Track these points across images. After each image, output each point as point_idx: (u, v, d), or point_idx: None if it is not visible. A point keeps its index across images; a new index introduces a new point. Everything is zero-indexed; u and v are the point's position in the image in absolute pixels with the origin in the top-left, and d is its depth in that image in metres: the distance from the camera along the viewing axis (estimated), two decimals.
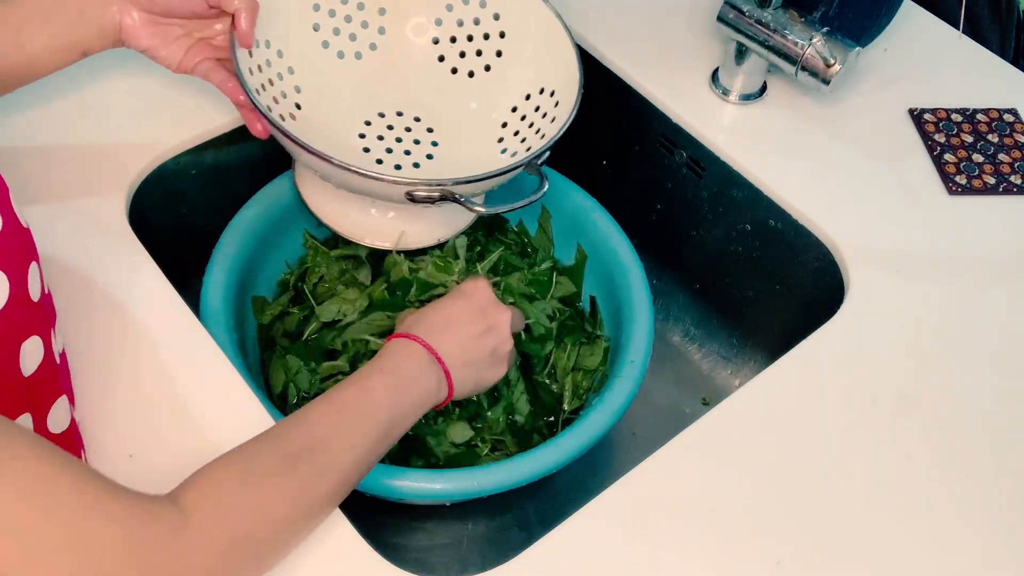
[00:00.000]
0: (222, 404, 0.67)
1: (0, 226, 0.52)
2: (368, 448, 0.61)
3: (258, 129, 0.77)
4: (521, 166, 0.74)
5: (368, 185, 0.71)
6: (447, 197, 0.71)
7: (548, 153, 0.76)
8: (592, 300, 0.91)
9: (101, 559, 0.46)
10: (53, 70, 0.71)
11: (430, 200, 0.71)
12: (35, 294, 0.56)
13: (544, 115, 0.81)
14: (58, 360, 0.60)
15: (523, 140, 0.82)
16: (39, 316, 0.56)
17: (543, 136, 0.79)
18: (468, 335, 0.71)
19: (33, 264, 0.56)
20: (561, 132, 0.76)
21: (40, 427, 0.57)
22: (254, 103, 0.71)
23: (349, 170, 0.69)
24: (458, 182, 0.71)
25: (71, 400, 0.62)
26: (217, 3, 0.72)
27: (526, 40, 0.84)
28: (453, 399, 0.70)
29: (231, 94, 0.76)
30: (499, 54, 0.86)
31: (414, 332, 0.69)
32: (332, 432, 0.60)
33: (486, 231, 0.92)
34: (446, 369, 0.69)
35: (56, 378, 0.59)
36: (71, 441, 0.61)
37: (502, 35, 0.85)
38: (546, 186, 0.74)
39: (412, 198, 0.71)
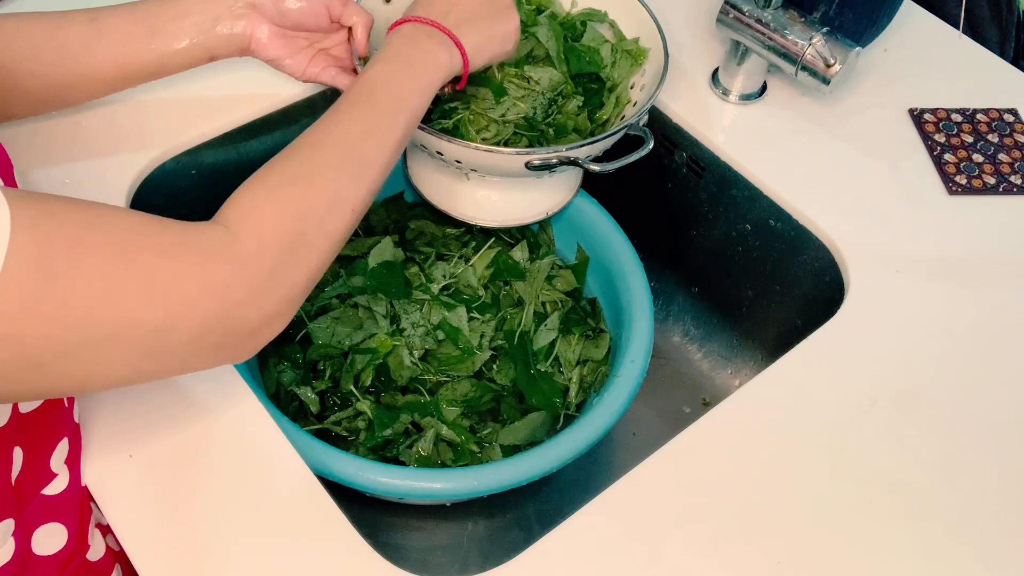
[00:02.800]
0: (222, 404, 0.67)
1: None
2: (384, 119, 0.65)
3: None
4: (626, 128, 0.78)
5: (491, 160, 0.76)
6: (564, 161, 0.76)
7: (647, 115, 0.80)
8: (593, 301, 0.91)
9: (163, 293, 0.51)
10: (181, 70, 0.77)
11: (547, 167, 0.76)
12: None
13: (632, 85, 0.85)
14: None
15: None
16: None
17: (634, 103, 0.84)
18: (471, 9, 0.73)
19: None
20: (657, 93, 0.80)
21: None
22: None
23: (473, 148, 0.75)
24: (572, 147, 0.75)
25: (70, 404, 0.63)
26: (338, 18, 0.79)
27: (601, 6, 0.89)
28: (472, 64, 0.72)
29: None
30: None
31: (403, 16, 0.72)
32: (344, 126, 0.63)
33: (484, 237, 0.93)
34: (446, 31, 0.70)
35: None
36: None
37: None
38: (651, 142, 0.77)
39: (530, 167, 0.76)
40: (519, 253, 0.91)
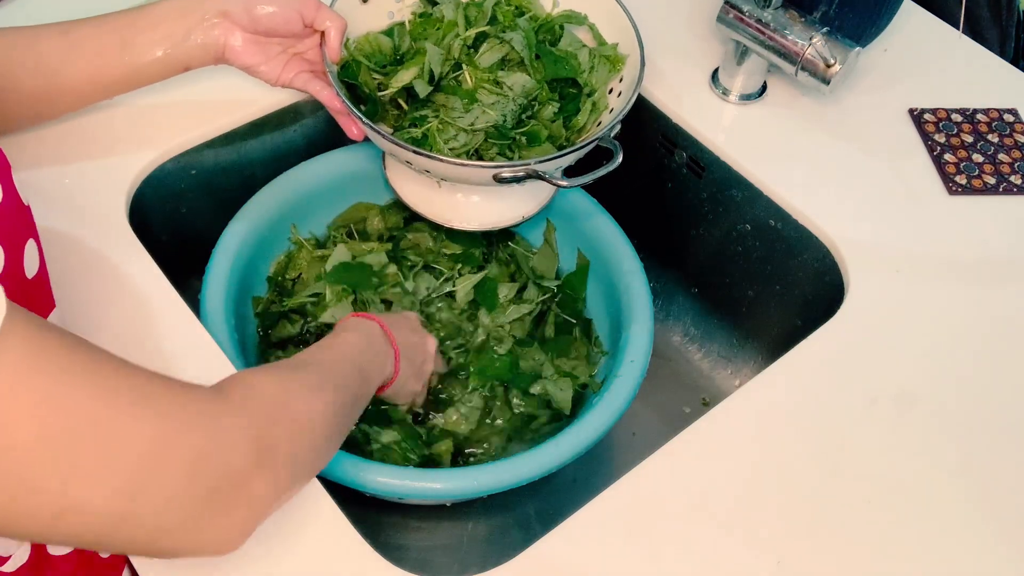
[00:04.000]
0: None
1: (0, 199, 0.52)
2: (352, 396, 0.63)
3: (354, 132, 0.83)
4: (596, 140, 0.78)
5: (458, 172, 0.76)
6: (531, 175, 0.75)
7: (619, 127, 0.79)
8: (588, 323, 0.91)
9: (141, 451, 0.46)
10: (156, 81, 0.76)
11: (516, 179, 0.75)
12: (31, 271, 0.56)
13: (611, 91, 0.85)
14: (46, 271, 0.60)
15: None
16: (33, 295, 0.57)
17: (611, 110, 0.83)
18: (409, 337, 0.76)
19: (31, 241, 0.56)
20: (629, 105, 0.79)
21: None
22: (349, 108, 0.77)
23: (440, 160, 0.75)
24: (540, 160, 0.75)
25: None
26: (311, 23, 0.79)
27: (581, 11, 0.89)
28: (386, 394, 0.73)
29: (328, 101, 0.82)
30: None
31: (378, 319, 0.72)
32: (328, 374, 0.62)
33: (487, 245, 0.93)
34: (396, 350, 0.72)
35: (48, 288, 0.60)
36: None
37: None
38: (620, 156, 0.77)
39: (499, 179, 0.75)
40: (504, 289, 0.90)
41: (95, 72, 0.73)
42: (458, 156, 0.79)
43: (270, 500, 0.53)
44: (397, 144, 0.75)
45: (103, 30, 0.73)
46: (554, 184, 0.76)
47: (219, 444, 0.49)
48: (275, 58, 0.80)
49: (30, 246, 0.56)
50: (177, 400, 0.48)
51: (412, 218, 0.94)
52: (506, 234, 0.94)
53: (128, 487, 0.45)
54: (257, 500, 0.51)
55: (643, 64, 0.81)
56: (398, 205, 0.95)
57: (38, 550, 0.60)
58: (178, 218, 0.89)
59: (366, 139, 0.84)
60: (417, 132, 0.80)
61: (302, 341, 0.86)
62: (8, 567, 0.58)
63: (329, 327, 0.82)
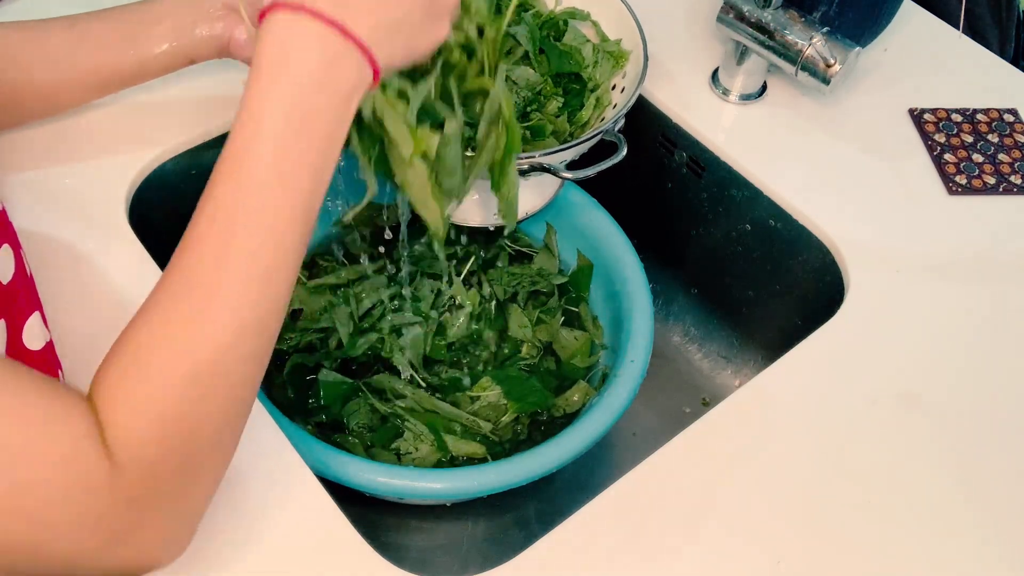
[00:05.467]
0: None
1: None
2: (281, 262, 0.49)
3: None
4: (601, 133, 0.77)
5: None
6: (536, 168, 0.75)
7: (623, 121, 0.79)
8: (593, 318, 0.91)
9: (36, 521, 0.43)
10: (161, 74, 0.76)
11: (520, 172, 0.75)
12: (5, 277, 0.56)
13: (613, 86, 0.84)
14: (29, 274, 0.60)
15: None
16: (9, 301, 0.56)
17: (614, 105, 0.83)
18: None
19: (5, 246, 0.57)
20: (633, 99, 0.78)
21: (15, 339, 0.57)
22: None
23: None
24: (545, 153, 0.75)
25: (44, 319, 0.62)
26: None
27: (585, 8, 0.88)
28: (383, 78, 0.52)
29: None
30: None
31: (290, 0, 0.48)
32: (224, 274, 0.48)
33: (485, 243, 0.93)
34: (358, 41, 0.49)
35: (31, 292, 0.60)
36: (47, 359, 0.61)
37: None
38: (624, 149, 0.77)
39: None
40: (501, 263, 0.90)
41: (102, 65, 0.73)
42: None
43: (196, 511, 0.50)
44: None
45: (110, 23, 0.73)
46: (559, 176, 0.76)
47: (105, 499, 0.45)
48: None
49: (4, 251, 0.56)
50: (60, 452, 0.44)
51: (412, 218, 0.94)
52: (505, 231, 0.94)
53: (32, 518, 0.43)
54: (180, 514, 0.49)
55: (646, 59, 0.82)
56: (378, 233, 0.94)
57: None
58: (178, 218, 0.88)
59: None
60: None
61: (317, 370, 0.84)
62: None
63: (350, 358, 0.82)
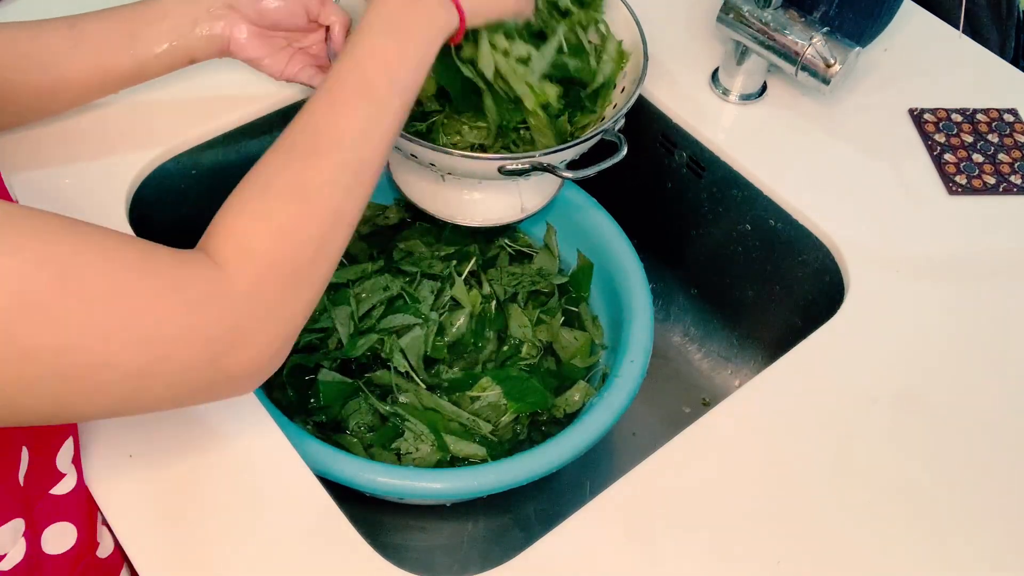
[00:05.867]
0: (222, 404, 0.67)
1: None
2: (381, 110, 0.61)
3: None
4: (601, 133, 0.78)
5: (464, 164, 0.76)
6: (536, 167, 0.75)
7: (623, 121, 0.79)
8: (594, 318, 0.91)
9: (145, 338, 0.49)
10: (162, 74, 0.76)
11: (521, 172, 0.75)
12: None
13: (614, 86, 0.84)
14: None
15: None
16: None
17: (615, 105, 0.83)
18: None
19: None
20: (633, 99, 0.79)
21: None
22: None
23: (446, 152, 0.75)
24: (545, 153, 0.75)
25: None
26: (316, 17, 0.79)
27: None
28: (470, 23, 0.67)
29: None
30: None
31: None
32: (341, 126, 0.59)
33: (485, 242, 0.93)
34: None
35: None
36: None
37: None
38: (625, 149, 0.77)
39: (504, 172, 0.75)
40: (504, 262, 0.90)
41: (102, 65, 0.73)
42: (463, 150, 0.79)
43: (298, 319, 0.56)
44: (403, 137, 0.75)
45: (110, 23, 0.73)
46: (559, 176, 0.76)
47: (230, 321, 0.52)
48: (280, 52, 0.80)
49: None
50: (180, 276, 0.51)
51: (413, 218, 0.94)
52: (506, 231, 0.94)
53: (150, 344, 0.49)
54: (283, 323, 0.55)
55: (646, 59, 0.82)
56: (399, 204, 0.95)
57: (33, 548, 0.60)
58: (178, 218, 0.89)
59: None
60: (422, 126, 0.80)
61: (317, 370, 0.84)
62: (4, 565, 0.58)
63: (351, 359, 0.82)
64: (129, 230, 0.76)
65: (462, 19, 0.67)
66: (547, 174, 0.76)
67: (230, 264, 0.53)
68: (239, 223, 0.55)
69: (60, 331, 0.46)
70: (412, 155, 0.78)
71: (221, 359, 0.52)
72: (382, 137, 0.61)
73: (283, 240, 0.55)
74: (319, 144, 0.58)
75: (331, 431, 0.81)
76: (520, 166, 0.75)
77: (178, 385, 0.52)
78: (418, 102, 0.79)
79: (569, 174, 0.76)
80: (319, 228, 0.56)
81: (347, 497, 0.67)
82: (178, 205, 0.88)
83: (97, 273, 0.48)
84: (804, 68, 0.85)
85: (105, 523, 0.66)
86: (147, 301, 0.49)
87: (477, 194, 0.85)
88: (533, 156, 0.75)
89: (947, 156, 0.88)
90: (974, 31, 1.23)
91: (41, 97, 0.73)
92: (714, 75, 0.94)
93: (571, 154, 0.78)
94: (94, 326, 0.47)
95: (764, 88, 0.93)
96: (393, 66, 0.62)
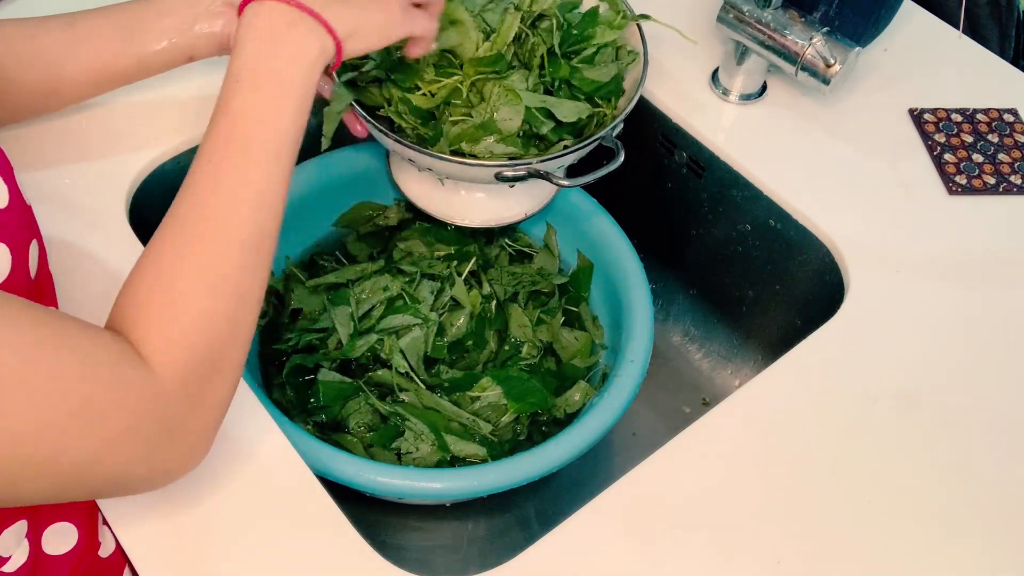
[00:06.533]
0: None
1: (7, 201, 0.53)
2: (270, 172, 0.57)
3: (358, 130, 0.81)
4: (597, 140, 0.78)
5: (460, 170, 0.77)
6: (533, 174, 0.76)
7: (621, 126, 0.79)
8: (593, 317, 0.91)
9: (91, 430, 0.49)
10: (160, 71, 0.76)
11: (517, 178, 0.76)
12: (33, 271, 0.56)
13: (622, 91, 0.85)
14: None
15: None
16: (36, 295, 0.57)
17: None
18: None
19: (34, 242, 0.57)
20: (631, 106, 0.79)
21: None
22: (353, 106, 0.77)
23: (442, 159, 0.75)
24: (542, 160, 0.75)
25: None
26: None
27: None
28: (345, 49, 0.62)
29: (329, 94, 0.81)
30: None
31: None
32: (232, 199, 0.56)
33: (486, 242, 0.93)
34: (313, 12, 0.59)
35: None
36: None
37: None
38: (622, 155, 0.77)
39: (501, 178, 0.76)
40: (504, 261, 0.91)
41: (100, 63, 0.73)
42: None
43: (224, 404, 0.57)
44: (400, 143, 0.75)
45: (109, 21, 0.73)
46: (556, 183, 0.76)
47: (164, 418, 0.52)
48: None
49: (33, 247, 0.56)
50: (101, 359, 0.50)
51: (414, 218, 0.94)
52: (507, 230, 0.94)
53: (90, 442, 0.49)
54: (211, 410, 0.56)
55: (646, 63, 0.82)
56: (399, 204, 0.95)
57: (37, 550, 0.60)
58: None
59: (369, 137, 0.84)
60: (424, 130, 0.80)
61: (317, 370, 0.84)
62: (8, 567, 0.58)
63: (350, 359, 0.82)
64: (129, 230, 0.76)
65: (338, 45, 0.61)
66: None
67: (154, 359, 0.52)
68: (153, 315, 0.54)
69: (7, 419, 0.46)
70: (410, 160, 0.78)
71: (156, 454, 0.53)
72: (276, 198, 0.58)
73: (199, 332, 0.54)
74: (215, 224, 0.56)
75: (331, 431, 0.81)
76: (516, 173, 0.75)
77: (114, 481, 0.53)
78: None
79: (566, 182, 0.76)
80: (230, 313, 0.56)
81: (347, 497, 0.67)
82: None
83: (42, 359, 0.48)
84: (804, 68, 0.85)
85: (106, 523, 0.66)
86: (87, 399, 0.49)
87: (478, 194, 0.85)
88: (530, 163, 0.75)
89: (947, 156, 0.88)
90: (974, 31, 1.23)
91: (40, 95, 0.74)
92: (714, 75, 0.94)
93: (568, 160, 0.78)
94: (45, 416, 0.47)
95: (764, 88, 0.93)
96: (270, 121, 0.58)
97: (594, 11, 0.83)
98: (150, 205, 0.83)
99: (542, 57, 0.80)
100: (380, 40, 0.66)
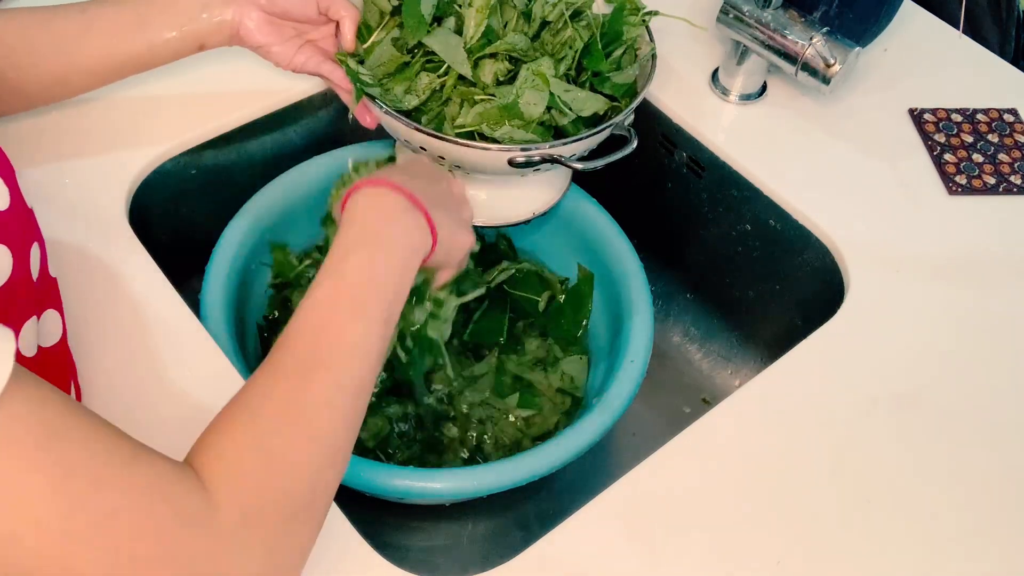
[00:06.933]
0: (221, 402, 0.67)
1: (8, 203, 0.53)
2: (372, 345, 0.57)
3: (367, 120, 0.82)
4: (612, 126, 0.77)
5: (473, 155, 0.75)
6: (547, 159, 0.75)
7: (632, 116, 0.79)
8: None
9: (130, 553, 0.44)
10: (171, 60, 0.76)
11: (530, 164, 0.75)
12: (35, 274, 0.56)
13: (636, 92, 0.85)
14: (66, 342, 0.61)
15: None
16: (37, 297, 0.57)
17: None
18: (433, 185, 0.68)
19: (35, 244, 0.57)
20: (643, 94, 0.79)
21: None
22: (364, 92, 0.76)
23: (455, 143, 0.74)
24: (555, 144, 0.75)
25: (76, 386, 0.63)
26: (325, 10, 0.79)
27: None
28: (435, 259, 0.66)
29: (341, 82, 0.80)
30: None
31: (368, 179, 0.64)
32: (334, 344, 0.55)
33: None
34: (424, 209, 0.63)
35: (64, 361, 0.60)
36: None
37: None
38: (635, 142, 0.77)
39: (513, 164, 0.75)
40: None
41: (112, 50, 0.73)
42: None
43: (294, 566, 0.52)
44: (415, 128, 0.74)
45: (120, 8, 0.73)
46: (569, 167, 0.76)
47: (209, 553, 0.46)
48: (289, 41, 0.79)
49: (34, 249, 0.56)
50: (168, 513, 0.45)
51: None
52: (510, 249, 0.94)
53: (116, 561, 0.44)
54: (274, 568, 0.50)
55: (654, 57, 0.82)
56: None
57: None
58: (178, 218, 0.89)
59: (377, 132, 0.83)
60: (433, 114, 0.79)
61: None
62: None
63: None
64: (129, 230, 0.76)
65: (434, 243, 0.65)
66: (554, 173, 0.76)
67: (218, 489, 0.47)
68: (227, 444, 0.50)
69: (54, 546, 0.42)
70: (421, 148, 0.78)
71: None
72: (375, 354, 0.57)
73: (276, 469, 0.50)
74: (312, 363, 0.54)
75: None
76: (530, 158, 0.75)
77: None
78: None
79: (580, 165, 0.76)
80: (314, 457, 0.52)
81: (347, 497, 0.67)
82: (178, 205, 0.88)
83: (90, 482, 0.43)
84: (804, 68, 0.85)
85: None
86: (124, 516, 0.44)
87: (483, 194, 0.85)
88: (543, 148, 0.75)
89: (947, 156, 0.88)
90: (974, 31, 1.23)
91: (52, 82, 0.74)
92: (714, 75, 0.94)
93: (583, 146, 0.78)
94: (101, 547, 0.43)
95: (764, 88, 0.93)
96: (380, 280, 0.59)
97: (621, 7, 0.83)
98: (150, 205, 0.83)
99: (576, 51, 0.80)
100: (454, 263, 0.71)
